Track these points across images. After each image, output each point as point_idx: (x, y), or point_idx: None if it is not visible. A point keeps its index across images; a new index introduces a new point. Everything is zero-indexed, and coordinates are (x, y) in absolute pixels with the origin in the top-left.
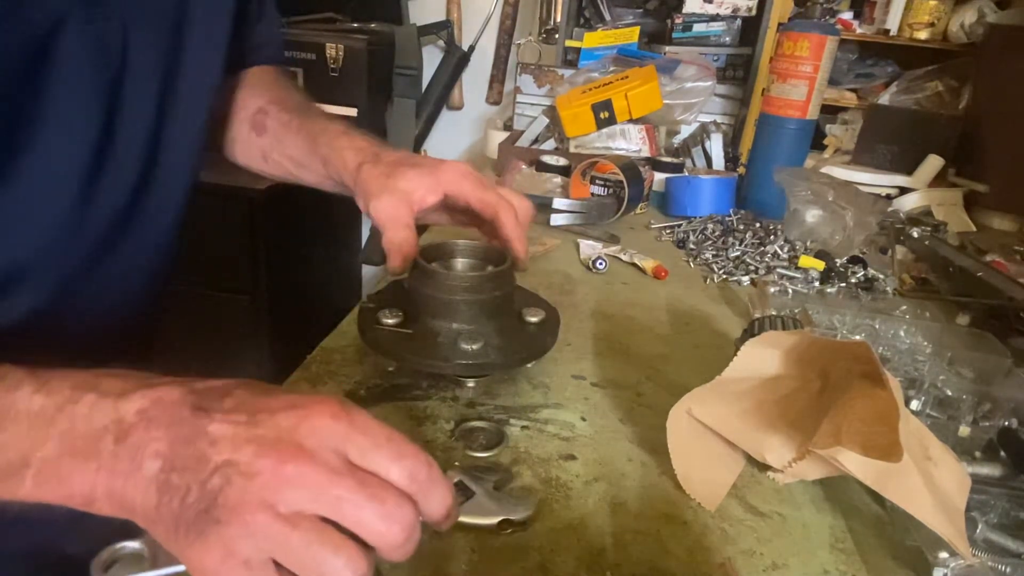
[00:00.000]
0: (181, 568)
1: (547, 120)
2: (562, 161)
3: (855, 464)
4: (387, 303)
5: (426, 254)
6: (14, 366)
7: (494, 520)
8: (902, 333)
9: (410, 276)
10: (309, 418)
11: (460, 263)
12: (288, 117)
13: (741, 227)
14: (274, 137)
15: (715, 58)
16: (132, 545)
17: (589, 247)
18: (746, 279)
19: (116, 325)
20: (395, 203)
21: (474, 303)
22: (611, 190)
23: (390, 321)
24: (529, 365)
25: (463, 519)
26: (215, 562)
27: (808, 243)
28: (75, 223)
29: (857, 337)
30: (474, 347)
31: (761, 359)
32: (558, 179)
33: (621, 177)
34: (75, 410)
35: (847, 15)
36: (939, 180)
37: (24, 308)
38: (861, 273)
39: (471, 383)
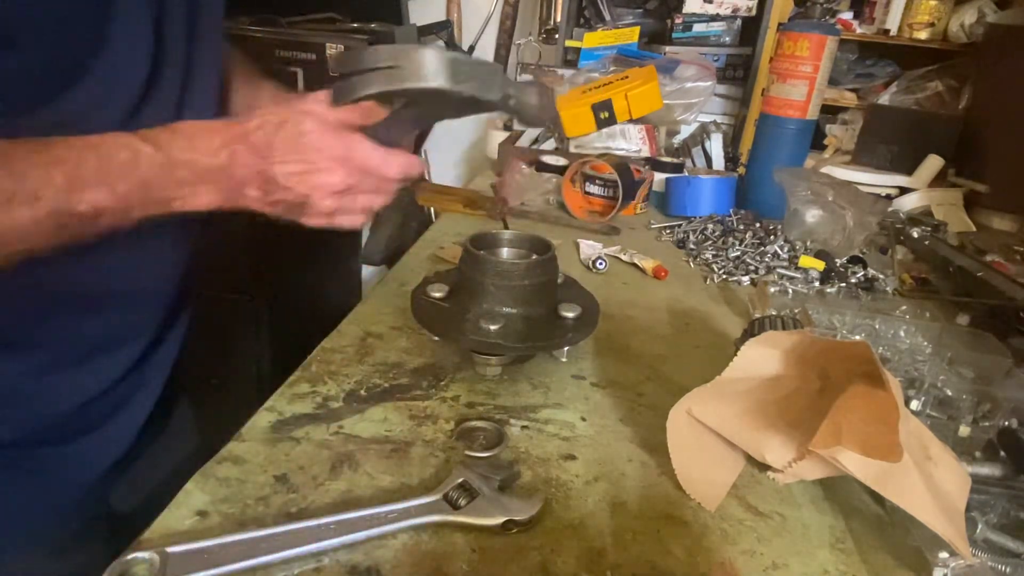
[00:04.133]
0: None
1: None
2: (562, 161)
3: (855, 464)
4: (442, 279)
5: (477, 240)
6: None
7: (498, 520)
8: (902, 333)
9: (459, 258)
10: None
11: (506, 251)
12: (246, 87)
13: (741, 227)
14: (237, 104)
15: (715, 58)
16: (143, 556)
17: (589, 247)
18: (746, 279)
19: (153, 264)
20: None
21: (503, 287)
22: (610, 190)
23: (435, 295)
24: (560, 354)
25: (467, 519)
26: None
27: (808, 243)
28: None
29: (857, 337)
30: (493, 328)
31: (761, 359)
32: (557, 179)
33: (616, 176)
34: (195, 159)
35: (847, 15)
36: (939, 180)
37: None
38: (861, 273)
39: (494, 364)
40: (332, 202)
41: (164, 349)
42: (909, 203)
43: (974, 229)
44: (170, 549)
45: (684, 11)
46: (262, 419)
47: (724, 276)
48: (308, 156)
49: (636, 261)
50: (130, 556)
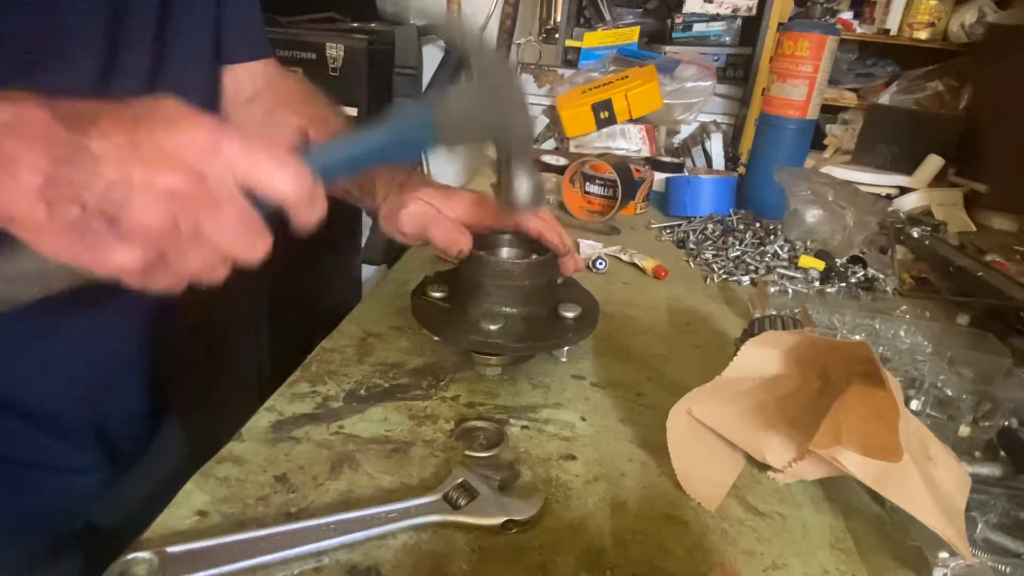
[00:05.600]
0: None
1: (547, 120)
2: (562, 161)
3: (855, 464)
4: (442, 279)
5: (477, 240)
6: None
7: (498, 520)
8: (902, 333)
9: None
10: (188, 137)
11: (506, 251)
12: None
13: (741, 227)
14: None
15: (715, 58)
16: (142, 556)
17: (589, 247)
18: (746, 279)
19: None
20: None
21: (503, 288)
22: (609, 189)
23: (435, 295)
24: (560, 354)
25: (467, 519)
26: (131, 258)
27: (808, 243)
28: None
29: (857, 337)
30: (492, 328)
31: (761, 359)
32: (557, 179)
33: (615, 176)
34: None
35: (847, 15)
36: (939, 180)
37: None
38: (861, 273)
39: (494, 364)
40: (158, 217)
41: (148, 363)
42: (909, 203)
43: (974, 229)
44: (169, 549)
45: (684, 11)
46: (262, 419)
47: (724, 276)
48: (153, 138)
49: (636, 261)
50: (129, 556)
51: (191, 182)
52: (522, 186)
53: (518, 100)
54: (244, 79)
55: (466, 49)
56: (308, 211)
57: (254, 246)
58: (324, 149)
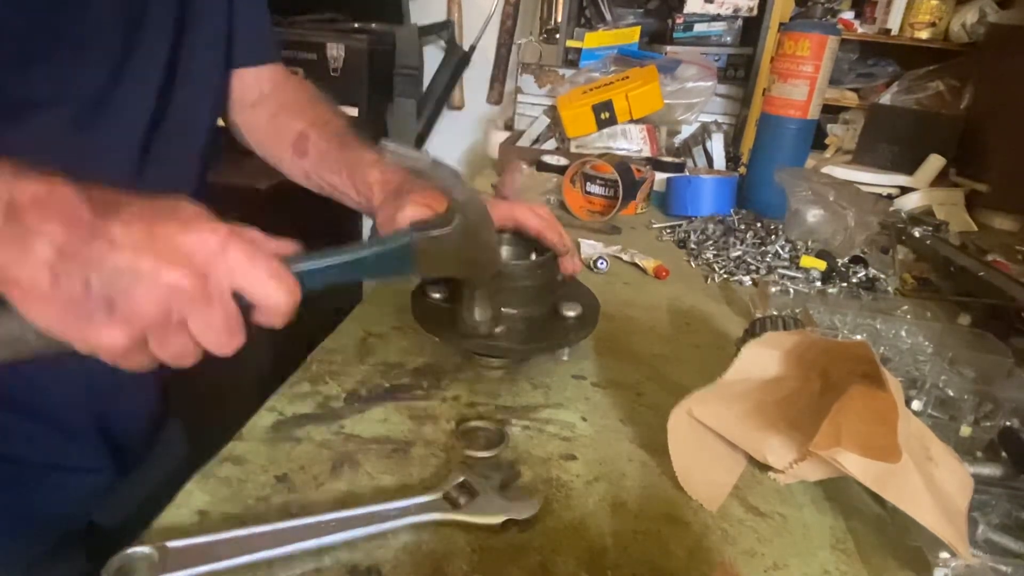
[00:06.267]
0: (191, 571)
1: (548, 120)
2: (563, 161)
3: (855, 465)
4: (443, 280)
5: None
6: None
7: (498, 520)
8: (903, 333)
9: None
10: (201, 238)
11: (506, 251)
12: (327, 146)
13: (742, 227)
14: (315, 162)
15: (716, 58)
16: (143, 550)
17: (590, 247)
18: (747, 279)
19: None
20: None
21: (504, 288)
22: (610, 189)
23: (435, 296)
24: (561, 354)
25: (467, 518)
26: (117, 340)
27: (809, 243)
28: (89, 149)
29: (858, 337)
30: (495, 330)
31: (762, 360)
32: (558, 179)
33: (616, 176)
34: None
35: (848, 15)
36: (940, 180)
37: None
38: (862, 273)
39: (496, 365)
40: (154, 307)
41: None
42: (910, 203)
43: (975, 229)
44: (170, 544)
45: (685, 11)
46: (263, 419)
47: (725, 276)
48: (169, 234)
49: (637, 261)
50: (129, 551)
51: (193, 280)
52: (480, 314)
53: (492, 243)
54: (251, 83)
55: (451, 194)
56: (285, 319)
57: (228, 344)
58: (311, 261)
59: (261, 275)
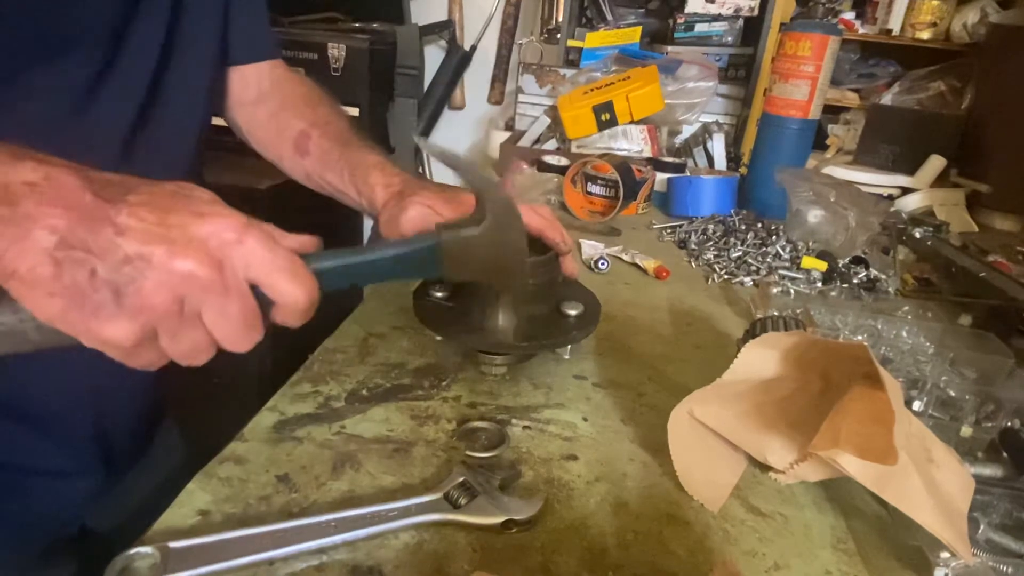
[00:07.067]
0: (193, 572)
1: (549, 120)
2: (563, 161)
3: (855, 466)
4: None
5: None
6: None
7: (498, 520)
8: (904, 334)
9: None
10: (217, 226)
11: None
12: (329, 146)
13: (743, 227)
14: (316, 161)
15: (717, 58)
16: (145, 551)
17: (591, 247)
18: (748, 279)
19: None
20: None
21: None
22: (611, 190)
23: (437, 295)
24: (562, 353)
25: (467, 518)
26: (125, 333)
27: (810, 243)
28: (77, 137)
29: (859, 338)
30: (498, 327)
31: (762, 360)
32: (559, 179)
33: (617, 176)
34: None
35: (849, 15)
36: (941, 180)
37: None
38: (863, 274)
39: (499, 363)
40: (166, 298)
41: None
42: (911, 203)
43: (976, 229)
44: (172, 544)
45: (686, 11)
46: (264, 419)
47: (726, 276)
48: (183, 223)
49: (638, 261)
50: (132, 551)
51: (208, 268)
52: (504, 320)
53: (522, 247)
54: (251, 80)
55: (483, 195)
56: (304, 317)
57: (246, 338)
58: (332, 259)
59: (280, 269)
